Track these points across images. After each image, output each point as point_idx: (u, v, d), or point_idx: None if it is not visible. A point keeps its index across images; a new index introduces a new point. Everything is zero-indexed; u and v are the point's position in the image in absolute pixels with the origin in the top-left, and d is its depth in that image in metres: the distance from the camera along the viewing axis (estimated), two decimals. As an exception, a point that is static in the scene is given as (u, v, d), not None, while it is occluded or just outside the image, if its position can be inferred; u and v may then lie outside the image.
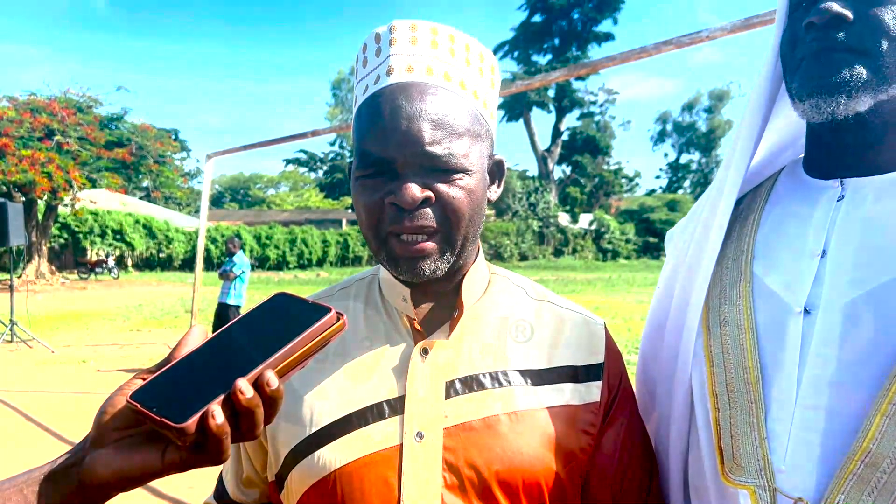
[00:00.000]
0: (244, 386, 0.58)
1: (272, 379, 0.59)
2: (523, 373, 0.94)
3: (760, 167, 1.12)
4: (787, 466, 0.87)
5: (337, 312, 0.66)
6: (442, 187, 0.87)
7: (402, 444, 0.87)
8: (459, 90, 0.90)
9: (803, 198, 0.99)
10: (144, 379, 0.62)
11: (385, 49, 0.90)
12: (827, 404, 0.85)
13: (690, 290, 1.05)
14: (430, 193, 0.86)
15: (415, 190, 0.84)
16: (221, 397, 0.58)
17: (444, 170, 0.86)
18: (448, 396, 0.90)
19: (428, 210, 0.87)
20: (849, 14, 0.87)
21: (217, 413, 0.57)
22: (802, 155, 1.08)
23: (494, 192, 0.98)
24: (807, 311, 0.90)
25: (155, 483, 4.59)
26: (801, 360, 0.88)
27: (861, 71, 0.87)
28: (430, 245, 0.87)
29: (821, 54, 0.90)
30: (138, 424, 0.61)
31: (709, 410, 0.97)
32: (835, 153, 0.96)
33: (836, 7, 0.87)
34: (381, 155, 0.85)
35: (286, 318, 0.66)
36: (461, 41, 0.93)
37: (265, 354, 0.61)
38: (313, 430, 0.90)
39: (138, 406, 0.58)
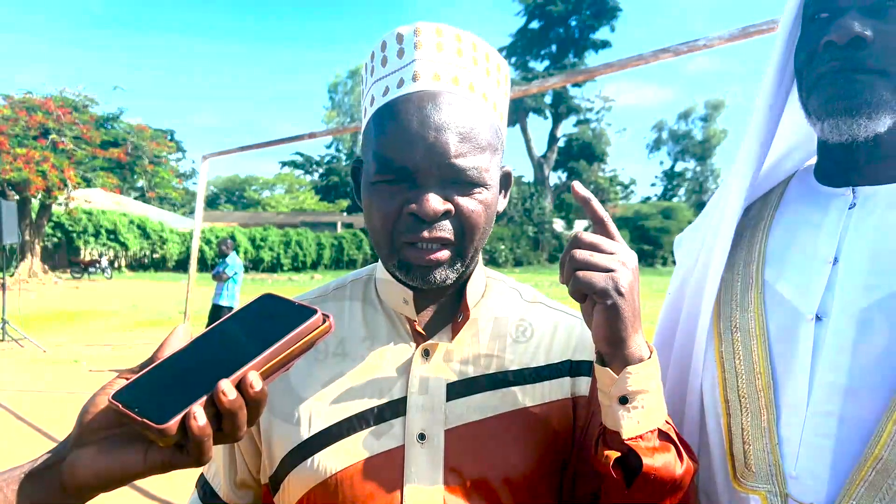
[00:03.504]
0: (227, 387, 0.57)
1: (256, 381, 0.59)
2: (521, 373, 0.94)
3: (770, 170, 1.11)
4: (799, 472, 0.88)
5: (323, 314, 0.65)
6: (461, 200, 0.86)
7: (403, 446, 0.87)
8: (482, 102, 0.89)
9: (814, 205, 1.00)
10: (128, 379, 0.62)
11: (409, 52, 0.88)
12: (839, 411, 0.85)
13: (701, 297, 1.05)
14: (450, 206, 0.85)
15: (436, 202, 0.84)
16: (204, 398, 0.57)
17: (466, 183, 0.86)
18: (449, 398, 0.90)
19: (446, 222, 0.86)
20: (869, 34, 0.87)
21: (199, 414, 0.56)
22: (812, 162, 1.08)
23: (501, 203, 0.98)
24: (818, 318, 0.90)
25: (142, 482, 4.56)
26: (812, 366, 0.89)
27: (882, 92, 0.88)
28: (444, 255, 0.87)
29: (840, 75, 0.89)
30: (121, 425, 0.60)
31: (720, 416, 0.97)
32: (847, 164, 0.97)
33: (857, 27, 0.87)
34: (405, 164, 0.84)
35: (272, 319, 0.65)
36: (482, 50, 0.93)
37: (249, 356, 0.60)
38: (312, 432, 0.89)
39: (120, 406, 0.57)
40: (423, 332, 0.95)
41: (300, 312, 0.65)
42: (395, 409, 0.89)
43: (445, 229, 0.86)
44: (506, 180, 0.98)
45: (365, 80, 0.96)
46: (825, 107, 0.91)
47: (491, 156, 0.89)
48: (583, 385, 0.97)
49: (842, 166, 0.97)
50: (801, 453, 0.88)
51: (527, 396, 0.93)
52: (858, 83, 0.88)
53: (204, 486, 1.02)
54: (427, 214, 0.83)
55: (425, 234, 0.85)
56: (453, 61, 0.89)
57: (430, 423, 0.88)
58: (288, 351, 0.62)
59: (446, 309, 0.97)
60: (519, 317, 1.00)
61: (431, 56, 0.88)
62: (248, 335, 0.64)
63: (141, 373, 0.61)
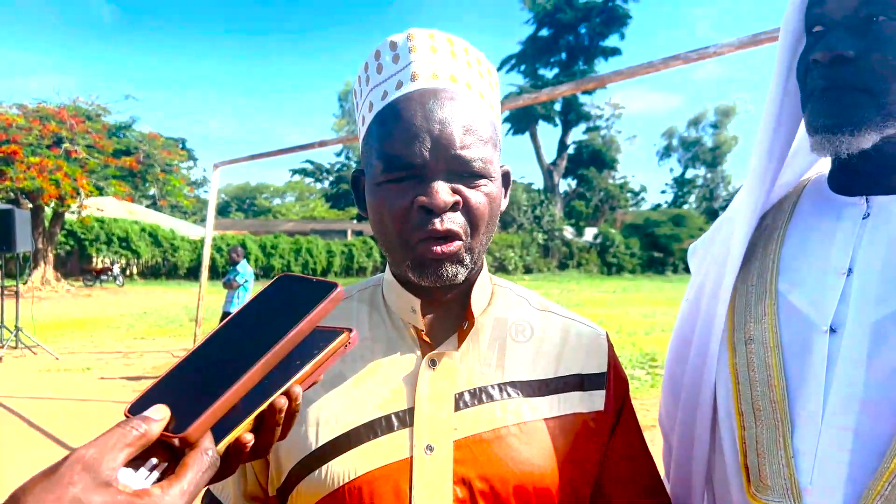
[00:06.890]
0: (281, 402, 0.59)
1: (300, 395, 0.61)
2: (531, 383, 0.94)
3: (782, 176, 1.10)
4: (814, 486, 0.86)
5: (346, 329, 0.66)
6: (468, 192, 0.88)
7: (412, 457, 0.87)
8: (479, 99, 0.92)
9: (828, 215, 0.99)
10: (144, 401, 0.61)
11: (404, 56, 0.91)
12: (854, 424, 0.84)
13: (715, 307, 1.05)
14: (458, 198, 0.87)
15: (445, 192, 0.85)
16: (252, 416, 0.58)
17: (472, 175, 0.87)
18: (457, 408, 0.90)
19: (456, 214, 0.87)
20: (851, 53, 0.87)
21: (250, 435, 0.58)
22: (825, 170, 1.07)
23: (503, 202, 0.98)
24: (833, 330, 0.89)
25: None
26: (827, 378, 0.88)
27: (865, 110, 0.88)
28: (455, 246, 0.87)
29: (826, 93, 0.90)
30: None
31: (734, 428, 0.96)
32: (859, 173, 0.96)
33: (838, 46, 0.88)
34: (412, 159, 0.85)
35: (291, 303, 0.63)
36: (473, 54, 0.96)
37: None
38: (320, 442, 0.89)
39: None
40: (429, 342, 0.95)
41: (320, 290, 0.63)
42: (403, 419, 0.89)
43: (455, 221, 0.87)
44: (506, 179, 0.99)
45: (360, 92, 0.98)
46: (812, 123, 0.93)
47: (493, 150, 0.91)
48: (597, 399, 0.96)
49: (854, 173, 0.97)
50: (817, 466, 0.87)
51: (535, 409, 0.92)
52: (841, 101, 0.89)
53: (212, 502, 1.01)
54: (437, 205, 0.84)
55: (437, 226, 0.85)
56: (448, 62, 0.92)
57: (438, 434, 0.88)
58: (317, 370, 0.63)
59: (452, 317, 0.97)
60: (527, 324, 1.00)
61: (427, 58, 0.90)
62: (266, 325, 0.61)
63: (156, 380, 0.60)
